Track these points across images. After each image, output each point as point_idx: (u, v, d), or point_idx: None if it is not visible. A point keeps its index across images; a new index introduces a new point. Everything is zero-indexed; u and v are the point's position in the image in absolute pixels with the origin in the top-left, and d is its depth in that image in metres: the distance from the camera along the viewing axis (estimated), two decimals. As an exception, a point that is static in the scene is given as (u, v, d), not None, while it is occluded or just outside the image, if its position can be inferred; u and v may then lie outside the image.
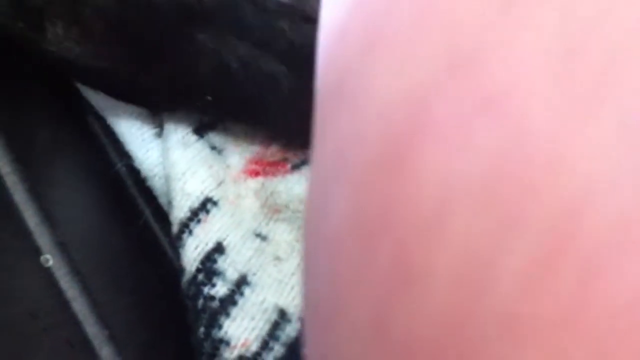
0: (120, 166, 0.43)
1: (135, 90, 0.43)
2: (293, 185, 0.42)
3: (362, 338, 0.16)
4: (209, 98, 0.41)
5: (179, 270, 0.40)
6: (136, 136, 0.44)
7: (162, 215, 0.43)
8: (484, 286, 0.14)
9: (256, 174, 0.42)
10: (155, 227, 0.43)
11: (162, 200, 0.44)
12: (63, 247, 0.39)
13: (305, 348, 0.19)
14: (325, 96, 0.19)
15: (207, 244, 0.40)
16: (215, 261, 0.40)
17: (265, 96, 0.41)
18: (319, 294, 0.18)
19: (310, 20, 0.39)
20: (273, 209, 0.42)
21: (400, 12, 0.16)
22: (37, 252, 0.39)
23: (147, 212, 0.43)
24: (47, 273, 0.38)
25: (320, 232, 0.18)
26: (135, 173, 0.44)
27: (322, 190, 0.18)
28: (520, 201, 0.14)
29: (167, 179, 0.42)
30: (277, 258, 0.40)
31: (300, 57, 0.39)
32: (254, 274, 0.40)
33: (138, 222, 0.42)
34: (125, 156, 0.44)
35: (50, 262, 0.39)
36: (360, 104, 0.17)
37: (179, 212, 0.41)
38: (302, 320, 0.22)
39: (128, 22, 0.39)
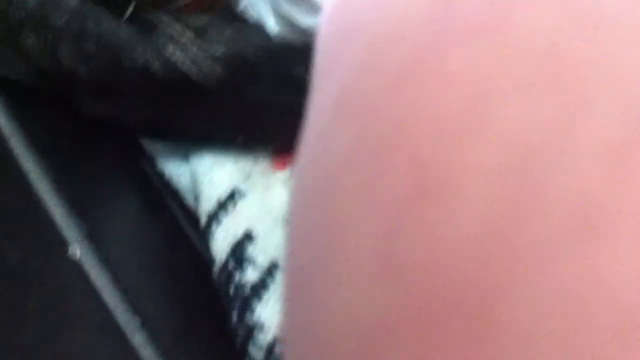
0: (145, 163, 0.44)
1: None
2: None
3: (363, 276, 0.14)
4: (241, 139, 0.42)
5: (209, 261, 0.40)
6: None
7: (188, 209, 0.43)
8: (546, 180, 0.12)
9: (284, 165, 0.43)
10: (183, 221, 0.42)
11: (188, 197, 0.44)
12: (91, 238, 0.39)
13: (285, 307, 0.18)
14: (328, 37, 0.19)
15: (236, 233, 0.40)
16: (245, 249, 0.39)
17: (286, 123, 0.42)
18: (309, 238, 0.17)
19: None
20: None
21: None
22: (64, 243, 0.38)
23: (174, 207, 0.43)
24: (76, 263, 0.38)
25: (317, 171, 0.17)
26: (159, 172, 0.44)
27: (322, 128, 0.17)
28: (590, 76, 0.12)
29: (194, 173, 0.42)
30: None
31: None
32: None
33: (165, 215, 0.42)
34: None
35: (78, 255, 0.38)
36: (371, 29, 0.17)
37: (207, 204, 0.41)
38: (284, 276, 0.19)
39: (150, 99, 0.40)
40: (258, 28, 0.40)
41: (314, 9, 0.39)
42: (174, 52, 0.36)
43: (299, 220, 0.18)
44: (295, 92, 0.40)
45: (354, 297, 0.14)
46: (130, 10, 0.37)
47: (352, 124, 0.16)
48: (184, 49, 0.37)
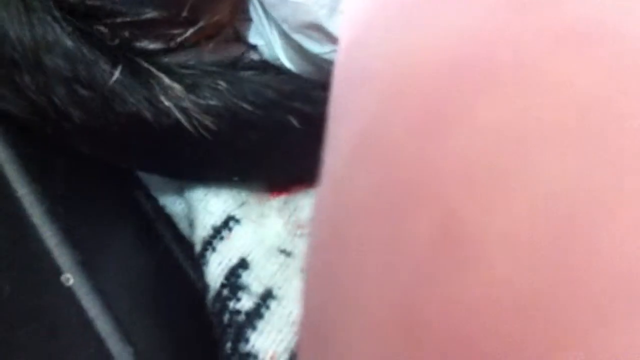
0: (139, 193, 0.43)
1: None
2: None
3: (382, 331, 0.14)
4: (235, 179, 0.42)
5: (202, 291, 0.40)
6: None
7: (182, 239, 0.43)
8: (588, 247, 0.11)
9: (279, 193, 0.42)
10: (176, 250, 0.42)
11: (183, 225, 0.44)
12: (84, 267, 0.38)
13: None
14: (343, 80, 0.19)
15: (230, 260, 0.40)
16: (239, 276, 0.39)
17: (282, 161, 0.42)
18: (326, 290, 0.16)
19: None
20: (296, 225, 0.42)
21: None
22: (57, 271, 0.38)
23: (168, 236, 0.42)
24: (69, 292, 0.38)
25: (334, 218, 0.16)
26: (153, 199, 0.44)
27: (339, 174, 0.17)
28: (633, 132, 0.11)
29: (189, 201, 0.42)
30: (303, 271, 0.40)
31: (310, 126, 0.40)
32: (280, 288, 0.39)
33: (159, 245, 0.41)
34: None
35: (71, 282, 0.38)
36: (388, 73, 0.16)
37: (201, 231, 0.41)
38: (299, 329, 0.18)
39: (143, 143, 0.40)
40: (253, 78, 0.40)
41: (326, 38, 0.39)
42: (165, 102, 0.36)
43: (316, 269, 0.17)
44: (289, 138, 0.40)
45: (375, 354, 0.14)
46: (123, 64, 0.37)
47: (371, 169, 0.15)
48: (176, 100, 0.37)
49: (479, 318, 0.12)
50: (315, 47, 0.40)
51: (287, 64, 0.42)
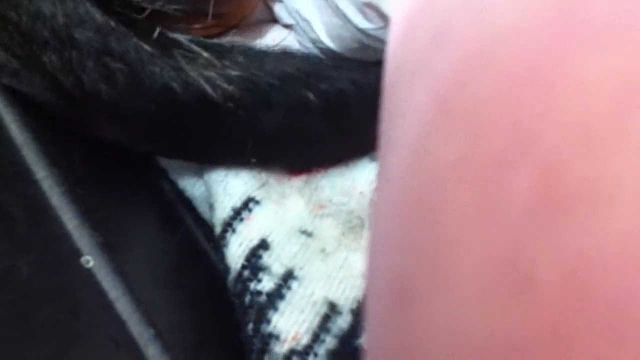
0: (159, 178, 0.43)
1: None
2: (335, 179, 0.42)
3: (487, 293, 0.13)
4: (254, 160, 0.41)
5: (224, 272, 0.39)
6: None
7: (202, 221, 0.42)
8: None
9: (299, 173, 0.42)
10: (197, 232, 0.42)
11: (203, 209, 0.43)
12: (104, 249, 0.38)
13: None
14: (411, 46, 0.18)
15: (251, 241, 0.39)
16: (260, 257, 0.39)
17: (300, 145, 0.42)
18: (405, 256, 0.16)
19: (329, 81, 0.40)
20: (317, 205, 0.41)
21: None
22: (77, 253, 0.38)
23: (188, 219, 0.42)
24: (89, 274, 0.37)
25: (416, 184, 0.16)
26: (172, 183, 0.44)
27: (417, 140, 0.16)
28: None
29: (208, 182, 0.42)
30: (324, 252, 0.39)
31: (328, 109, 0.40)
32: (301, 269, 0.38)
33: (179, 227, 0.41)
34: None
35: (91, 263, 0.38)
36: (472, 32, 0.16)
37: (221, 212, 0.40)
38: (366, 298, 0.18)
39: (168, 120, 0.40)
40: (271, 54, 0.40)
41: (377, 15, 0.39)
42: (191, 73, 0.36)
43: (391, 239, 0.17)
44: (309, 117, 0.40)
45: (474, 316, 0.14)
46: (157, 33, 0.37)
47: (459, 132, 0.15)
48: (202, 69, 0.37)
49: (598, 268, 0.12)
50: (362, 22, 0.39)
51: (327, 41, 0.42)
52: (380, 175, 0.18)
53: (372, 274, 0.18)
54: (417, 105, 0.17)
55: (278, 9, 0.44)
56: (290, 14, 0.44)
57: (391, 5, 0.37)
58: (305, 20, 0.42)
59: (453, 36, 0.16)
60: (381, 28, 0.39)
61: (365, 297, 0.18)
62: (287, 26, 0.44)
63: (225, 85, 0.36)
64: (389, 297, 0.16)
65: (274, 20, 0.45)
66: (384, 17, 0.39)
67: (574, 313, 0.12)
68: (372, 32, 0.40)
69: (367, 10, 0.39)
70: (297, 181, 0.42)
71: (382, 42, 0.39)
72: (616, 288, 0.11)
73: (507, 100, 0.14)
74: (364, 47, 0.41)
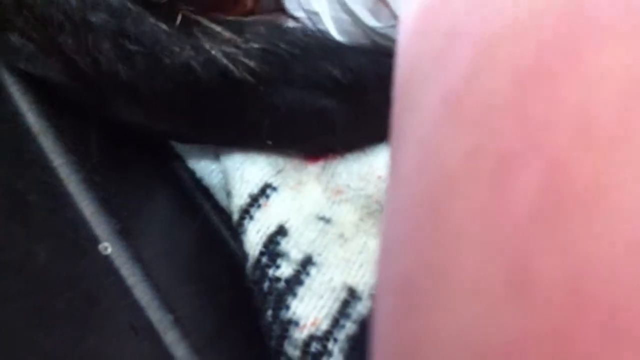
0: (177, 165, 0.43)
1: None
2: (352, 164, 0.41)
3: (491, 295, 0.13)
4: (269, 142, 0.41)
5: (242, 259, 0.39)
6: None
7: (220, 209, 0.42)
8: None
9: (316, 159, 0.42)
10: (215, 218, 0.42)
11: (220, 197, 0.43)
12: (122, 236, 0.38)
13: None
14: (424, 42, 0.18)
15: (268, 227, 0.39)
16: (278, 243, 0.38)
17: (317, 128, 0.42)
18: (414, 255, 0.16)
19: (352, 55, 0.40)
20: (335, 191, 0.41)
21: None
22: (95, 240, 0.38)
23: (206, 206, 0.42)
24: (107, 260, 0.37)
25: (424, 181, 0.16)
26: (190, 171, 0.44)
27: (427, 136, 0.16)
28: None
29: (225, 170, 0.42)
30: (342, 238, 0.39)
31: (348, 88, 0.39)
32: (319, 254, 0.38)
33: (197, 213, 0.41)
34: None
35: (109, 250, 0.37)
36: (483, 28, 0.16)
37: (238, 199, 0.40)
38: (374, 297, 0.18)
39: (187, 99, 0.40)
40: (298, 29, 0.39)
41: (386, 13, 0.39)
42: (212, 50, 0.36)
43: (399, 235, 0.16)
44: (327, 99, 0.39)
45: (478, 317, 0.13)
46: (179, 20, 0.36)
47: (468, 128, 0.15)
48: (223, 46, 0.36)
49: (603, 270, 0.11)
50: (372, 20, 0.39)
51: (337, 36, 0.41)
52: (391, 170, 0.18)
53: (381, 272, 0.17)
54: (429, 103, 0.17)
55: (288, 0, 0.44)
56: (300, 5, 0.43)
57: (400, 4, 0.37)
58: (315, 13, 0.42)
59: (465, 34, 0.16)
60: (391, 27, 0.39)
61: (374, 295, 0.18)
62: (296, 19, 0.44)
63: (246, 61, 0.35)
64: (395, 296, 0.16)
65: (282, 11, 0.45)
66: (393, 16, 0.38)
67: (574, 315, 0.12)
68: (381, 31, 0.39)
69: (377, 8, 0.38)
70: (314, 167, 0.41)
71: (391, 40, 0.39)
72: (617, 291, 0.11)
73: (515, 97, 0.14)
74: (374, 44, 0.40)
